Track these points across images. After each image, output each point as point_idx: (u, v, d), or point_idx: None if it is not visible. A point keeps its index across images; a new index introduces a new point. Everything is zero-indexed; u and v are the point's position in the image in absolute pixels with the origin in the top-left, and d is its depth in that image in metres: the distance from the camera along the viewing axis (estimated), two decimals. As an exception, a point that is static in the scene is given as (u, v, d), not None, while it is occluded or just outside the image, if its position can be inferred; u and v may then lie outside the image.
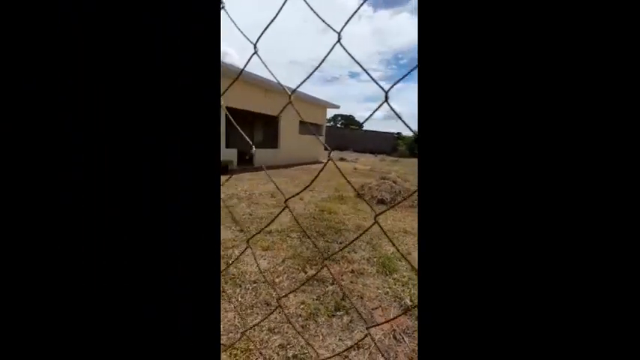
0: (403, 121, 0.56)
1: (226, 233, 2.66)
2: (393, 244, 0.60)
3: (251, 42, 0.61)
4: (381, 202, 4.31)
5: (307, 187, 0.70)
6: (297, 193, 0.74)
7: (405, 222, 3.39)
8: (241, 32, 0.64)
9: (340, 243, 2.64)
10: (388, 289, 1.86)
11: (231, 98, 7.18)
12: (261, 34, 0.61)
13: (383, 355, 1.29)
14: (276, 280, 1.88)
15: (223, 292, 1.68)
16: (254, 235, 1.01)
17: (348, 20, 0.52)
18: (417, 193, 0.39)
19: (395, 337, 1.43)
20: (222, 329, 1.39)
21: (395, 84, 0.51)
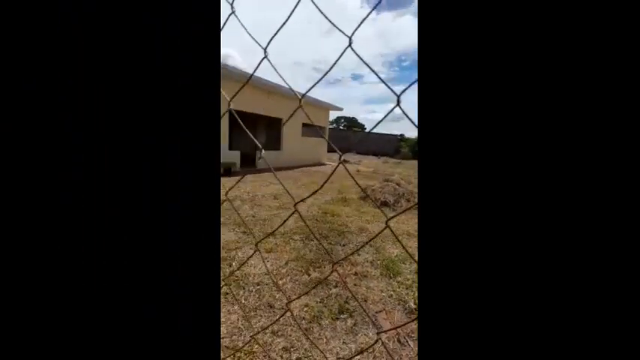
0: (414, 123, 0.55)
1: (229, 235, 2.66)
2: (404, 248, 0.59)
3: (261, 46, 0.61)
4: (385, 204, 4.29)
5: (317, 190, 0.70)
6: (307, 197, 0.73)
7: (408, 224, 3.36)
8: (251, 37, 0.65)
9: (343, 245, 2.63)
10: (392, 292, 1.84)
11: (234, 100, 7.21)
12: (271, 39, 0.61)
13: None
14: (280, 283, 1.87)
15: (227, 294, 1.68)
16: (262, 239, 1.01)
17: (359, 25, 0.52)
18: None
19: (399, 341, 1.41)
20: (225, 332, 1.38)
21: (408, 87, 0.50)
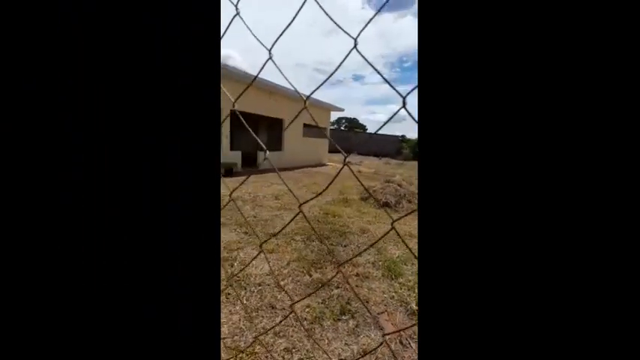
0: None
1: (231, 235, 2.66)
2: (409, 249, 0.59)
3: (266, 48, 0.62)
4: (386, 205, 4.28)
5: (322, 192, 0.69)
6: (312, 199, 0.73)
7: (410, 226, 3.35)
8: (257, 39, 0.65)
9: (345, 246, 2.62)
10: (394, 294, 1.83)
11: (238, 102, 7.23)
12: (276, 40, 0.61)
13: (389, 361, 1.27)
14: (281, 283, 1.87)
15: (229, 294, 1.68)
16: (266, 240, 1.01)
17: (365, 27, 0.52)
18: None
19: (401, 343, 1.40)
20: (227, 332, 1.38)
21: (414, 89, 0.50)
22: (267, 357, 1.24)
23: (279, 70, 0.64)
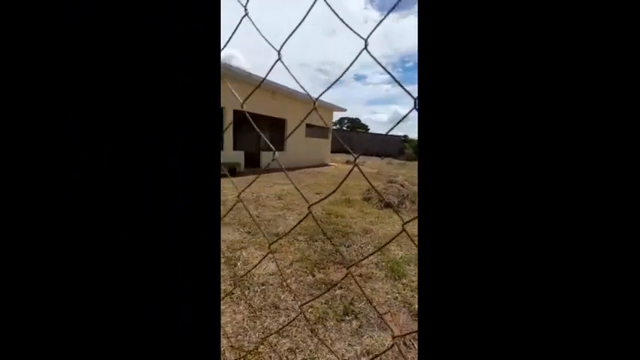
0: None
1: (234, 235, 2.67)
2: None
3: (275, 49, 0.62)
4: (388, 205, 4.26)
5: (332, 192, 0.69)
6: (320, 200, 0.73)
7: (414, 226, 3.33)
8: (265, 39, 0.65)
9: (348, 247, 2.62)
10: (397, 294, 1.82)
11: (238, 101, 7.27)
12: (285, 41, 0.62)
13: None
14: (284, 283, 1.87)
15: (232, 293, 1.68)
16: (275, 241, 1.02)
17: (375, 28, 0.52)
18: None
19: (405, 344, 1.39)
20: (231, 331, 1.38)
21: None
22: (270, 357, 1.24)
23: (289, 72, 0.64)
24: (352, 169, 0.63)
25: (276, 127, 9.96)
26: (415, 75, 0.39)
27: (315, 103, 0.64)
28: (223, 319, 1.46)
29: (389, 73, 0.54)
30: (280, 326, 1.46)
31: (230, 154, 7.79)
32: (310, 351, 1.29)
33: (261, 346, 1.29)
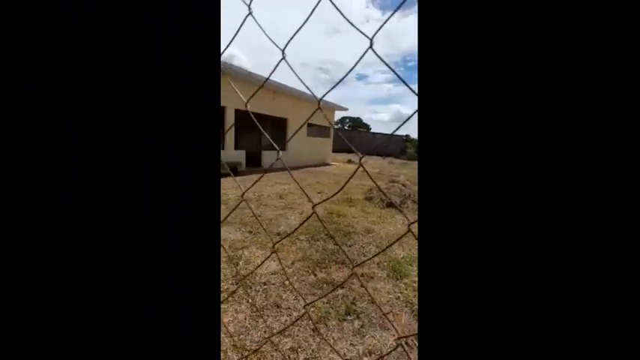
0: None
1: (236, 234, 2.68)
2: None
3: (279, 48, 0.62)
4: (391, 205, 4.25)
5: (337, 192, 0.69)
6: (325, 200, 0.73)
7: (417, 225, 3.32)
8: (269, 38, 0.65)
9: (349, 246, 2.62)
10: (399, 294, 1.81)
11: (240, 100, 7.29)
12: (289, 41, 0.62)
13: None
14: (286, 283, 1.87)
15: (234, 292, 1.69)
16: (280, 241, 1.02)
17: (380, 28, 0.52)
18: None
19: (407, 343, 1.39)
20: (233, 330, 1.38)
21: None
22: (272, 356, 1.24)
23: (293, 71, 0.64)
24: (357, 169, 0.63)
25: (277, 127, 9.97)
26: (417, 74, 0.39)
27: (319, 102, 0.64)
28: (225, 319, 1.47)
29: (395, 73, 0.54)
30: (282, 325, 1.46)
31: (231, 153, 7.81)
32: (312, 350, 1.29)
33: (263, 345, 1.29)
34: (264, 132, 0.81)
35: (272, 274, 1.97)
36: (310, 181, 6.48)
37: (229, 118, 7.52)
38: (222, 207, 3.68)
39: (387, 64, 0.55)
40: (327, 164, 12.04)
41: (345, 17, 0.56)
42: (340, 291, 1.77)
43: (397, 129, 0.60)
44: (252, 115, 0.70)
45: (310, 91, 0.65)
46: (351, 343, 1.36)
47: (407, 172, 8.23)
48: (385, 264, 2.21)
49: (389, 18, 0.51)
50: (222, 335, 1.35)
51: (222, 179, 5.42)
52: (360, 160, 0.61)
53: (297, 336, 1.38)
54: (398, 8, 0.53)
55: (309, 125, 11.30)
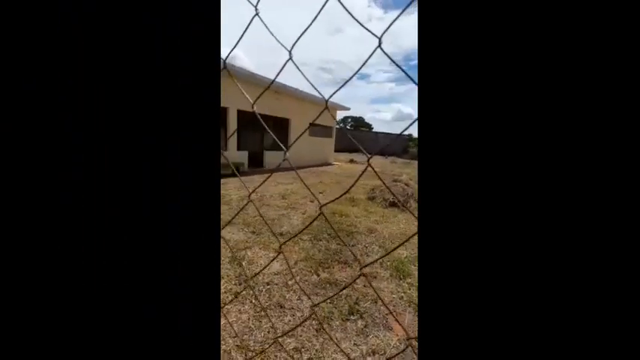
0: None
1: (239, 235, 2.68)
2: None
3: (286, 49, 0.62)
4: (393, 204, 4.24)
5: (345, 193, 0.68)
6: (333, 200, 0.72)
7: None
8: (276, 39, 0.65)
9: (352, 246, 2.61)
10: (402, 294, 1.81)
11: (241, 101, 7.33)
12: (295, 42, 0.62)
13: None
14: (289, 283, 1.87)
15: (237, 293, 1.69)
16: (286, 242, 1.02)
17: (388, 28, 0.51)
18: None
19: (410, 344, 1.38)
20: (236, 331, 1.39)
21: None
22: (276, 356, 1.24)
23: (300, 72, 0.64)
24: (365, 169, 0.62)
25: (279, 127, 9.99)
26: (419, 73, 0.39)
27: (327, 103, 0.64)
28: (229, 319, 1.47)
29: (404, 71, 0.53)
30: (285, 325, 1.46)
31: (234, 154, 7.85)
32: (316, 350, 1.29)
33: (266, 345, 1.29)
34: (270, 132, 0.81)
35: (275, 274, 1.98)
36: (312, 181, 6.48)
37: (232, 119, 7.55)
38: (225, 207, 3.70)
39: (396, 64, 0.55)
40: (330, 164, 12.04)
41: (353, 17, 0.56)
42: (343, 291, 1.77)
43: (404, 130, 0.59)
44: (259, 116, 0.70)
45: (318, 91, 0.64)
46: (354, 343, 1.36)
47: (409, 172, 8.20)
48: (388, 264, 2.20)
49: (397, 17, 0.50)
50: (226, 335, 1.35)
51: (224, 179, 5.44)
52: (369, 160, 0.60)
53: (301, 336, 1.38)
54: (407, 6, 0.53)
55: (312, 125, 11.31)
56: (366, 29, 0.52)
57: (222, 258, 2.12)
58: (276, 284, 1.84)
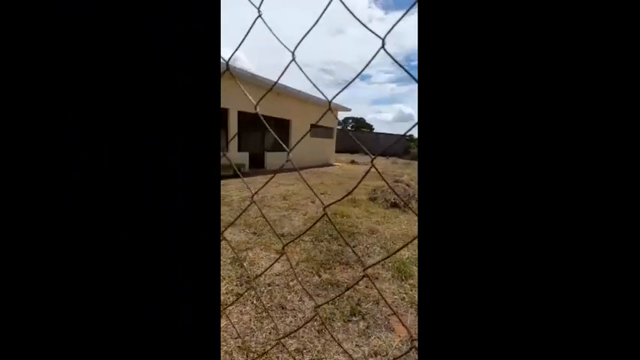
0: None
1: (240, 236, 2.68)
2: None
3: (289, 50, 0.62)
4: (395, 205, 4.23)
5: (350, 192, 0.68)
6: (338, 200, 0.72)
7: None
8: (279, 41, 0.65)
9: (354, 247, 2.60)
10: (404, 295, 1.80)
11: (244, 102, 7.35)
12: (298, 43, 0.62)
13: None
14: (291, 284, 1.87)
15: (238, 294, 1.69)
16: (289, 242, 1.02)
17: (391, 29, 0.51)
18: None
19: (414, 345, 1.37)
20: (237, 332, 1.38)
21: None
22: (278, 358, 1.23)
23: (304, 74, 0.64)
24: (369, 170, 0.62)
25: (280, 128, 10.01)
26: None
27: (330, 104, 0.64)
28: (230, 320, 1.47)
29: (407, 72, 0.53)
30: (287, 326, 1.46)
31: (235, 155, 7.87)
32: (318, 351, 1.28)
33: (268, 347, 1.29)
34: (273, 133, 0.82)
35: (276, 275, 1.97)
36: (314, 182, 6.48)
37: (232, 121, 7.57)
38: (226, 208, 3.70)
39: (399, 65, 0.55)
40: (330, 165, 12.04)
41: (357, 19, 0.56)
42: (344, 291, 1.76)
43: (407, 131, 0.59)
44: (262, 118, 0.70)
45: (322, 93, 0.64)
46: (356, 344, 1.35)
47: (410, 172, 8.19)
48: (390, 264, 2.19)
49: (401, 18, 0.50)
50: (227, 336, 1.35)
51: (225, 180, 5.45)
52: (372, 161, 0.60)
53: (303, 337, 1.37)
54: (411, 7, 0.52)
55: (313, 126, 11.33)
56: (370, 30, 0.52)
57: (223, 259, 2.12)
58: (278, 285, 1.84)
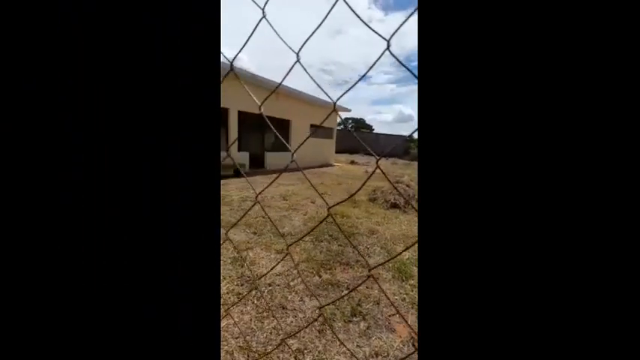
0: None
1: (241, 236, 2.68)
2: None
3: (293, 51, 0.62)
4: (395, 206, 4.22)
5: (354, 193, 0.68)
6: (342, 202, 0.72)
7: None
8: (283, 41, 0.65)
9: (354, 247, 2.60)
10: (405, 295, 1.80)
11: (244, 102, 7.36)
12: (302, 45, 0.62)
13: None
14: (291, 284, 1.87)
15: (239, 294, 1.69)
16: (294, 243, 1.02)
17: (396, 31, 0.51)
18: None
19: (414, 345, 1.37)
20: (238, 332, 1.38)
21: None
22: (279, 357, 1.23)
23: (308, 74, 0.64)
24: (374, 171, 0.62)
25: (280, 128, 10.01)
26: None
27: (335, 105, 0.64)
28: (231, 320, 1.46)
29: (411, 71, 0.53)
30: (287, 326, 1.45)
31: (235, 155, 7.87)
32: (319, 352, 1.28)
33: (269, 347, 1.29)
34: (277, 133, 0.82)
35: (277, 275, 1.97)
36: (314, 182, 6.49)
37: (232, 120, 7.57)
38: (226, 208, 3.70)
39: (404, 65, 0.55)
40: (330, 165, 12.04)
41: (362, 20, 0.56)
42: (345, 292, 1.76)
43: (411, 134, 0.59)
44: (266, 118, 0.70)
45: (326, 93, 0.64)
46: (357, 345, 1.35)
47: (410, 173, 8.18)
48: (390, 265, 2.19)
49: (406, 20, 0.50)
50: (228, 336, 1.34)
51: (225, 180, 5.45)
52: (377, 162, 0.60)
53: (304, 337, 1.37)
54: (415, 12, 0.52)
55: (313, 126, 11.33)
56: (374, 31, 0.52)
57: (223, 258, 2.12)
58: (278, 285, 1.84)
